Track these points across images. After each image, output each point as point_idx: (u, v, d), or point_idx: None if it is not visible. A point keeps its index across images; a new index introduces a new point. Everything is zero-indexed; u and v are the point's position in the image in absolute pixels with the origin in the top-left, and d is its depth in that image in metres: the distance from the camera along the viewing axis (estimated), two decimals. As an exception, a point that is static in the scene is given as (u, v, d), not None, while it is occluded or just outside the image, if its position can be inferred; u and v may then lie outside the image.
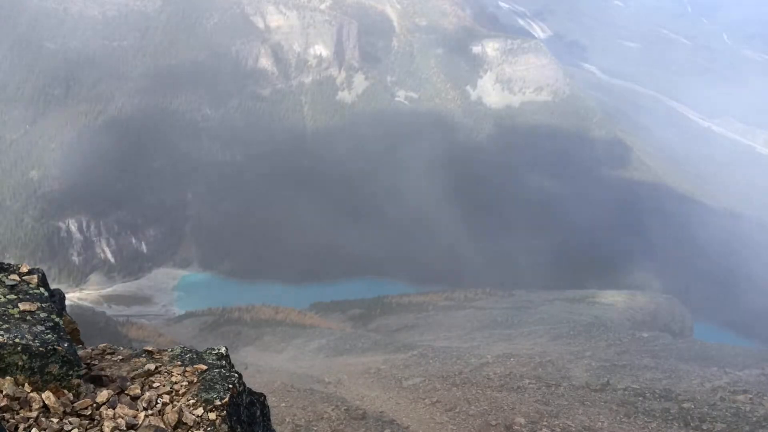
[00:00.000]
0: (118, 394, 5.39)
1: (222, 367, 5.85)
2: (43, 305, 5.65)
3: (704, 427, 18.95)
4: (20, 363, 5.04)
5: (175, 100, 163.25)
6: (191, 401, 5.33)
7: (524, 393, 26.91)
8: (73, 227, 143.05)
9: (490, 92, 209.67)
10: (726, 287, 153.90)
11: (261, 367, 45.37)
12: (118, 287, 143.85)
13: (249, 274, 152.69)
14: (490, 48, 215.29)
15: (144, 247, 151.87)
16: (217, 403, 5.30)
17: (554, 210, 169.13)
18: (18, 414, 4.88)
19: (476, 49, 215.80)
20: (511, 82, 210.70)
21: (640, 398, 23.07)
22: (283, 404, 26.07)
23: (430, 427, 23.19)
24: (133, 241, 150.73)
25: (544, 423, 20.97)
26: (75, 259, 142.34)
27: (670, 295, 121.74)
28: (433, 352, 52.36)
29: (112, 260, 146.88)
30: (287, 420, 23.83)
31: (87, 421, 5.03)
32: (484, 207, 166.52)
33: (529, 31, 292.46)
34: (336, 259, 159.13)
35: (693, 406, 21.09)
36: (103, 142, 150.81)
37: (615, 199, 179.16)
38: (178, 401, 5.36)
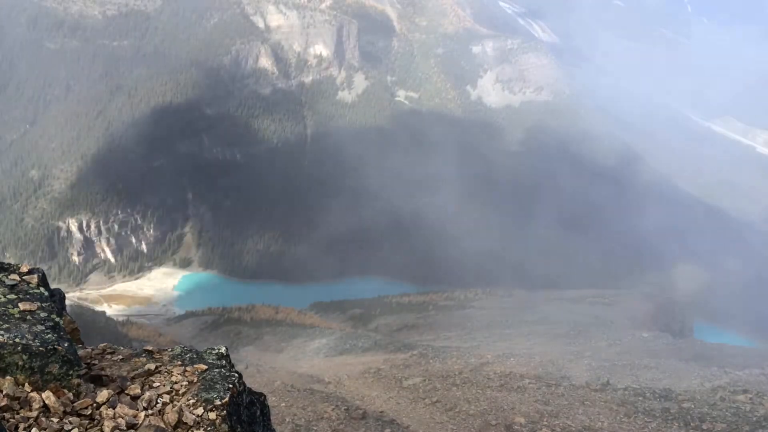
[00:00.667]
0: (118, 393, 5.40)
1: (222, 366, 5.85)
2: (43, 305, 5.66)
3: (704, 427, 18.95)
4: (20, 363, 5.05)
5: (175, 100, 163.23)
6: (191, 401, 5.33)
7: (524, 393, 26.91)
8: (73, 227, 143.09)
9: (490, 92, 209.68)
10: (726, 287, 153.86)
11: (261, 366, 45.39)
12: (118, 287, 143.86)
13: (249, 274, 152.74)
14: (490, 48, 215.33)
15: (144, 247, 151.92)
16: (218, 402, 5.30)
17: (554, 210, 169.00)
18: (18, 414, 4.88)
19: (476, 49, 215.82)
20: (511, 81, 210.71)
21: (640, 398, 23.07)
22: (283, 404, 26.06)
23: (430, 426, 23.19)
24: (133, 240, 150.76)
25: (544, 423, 20.97)
26: (75, 258, 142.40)
27: (670, 294, 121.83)
28: (433, 352, 52.36)
29: (112, 260, 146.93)
30: (287, 420, 23.82)
31: (87, 421, 5.03)
32: (483, 206, 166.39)
33: (529, 31, 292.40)
34: (336, 259, 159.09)
35: (693, 406, 21.09)
36: (102, 142, 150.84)
37: (614, 198, 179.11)
38: (178, 401, 5.36)
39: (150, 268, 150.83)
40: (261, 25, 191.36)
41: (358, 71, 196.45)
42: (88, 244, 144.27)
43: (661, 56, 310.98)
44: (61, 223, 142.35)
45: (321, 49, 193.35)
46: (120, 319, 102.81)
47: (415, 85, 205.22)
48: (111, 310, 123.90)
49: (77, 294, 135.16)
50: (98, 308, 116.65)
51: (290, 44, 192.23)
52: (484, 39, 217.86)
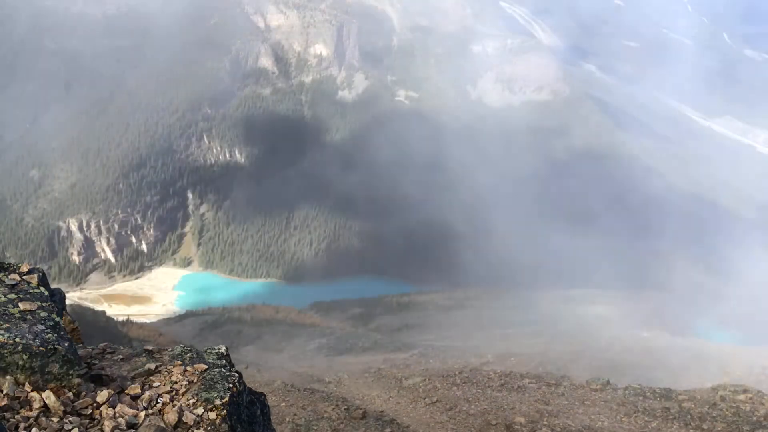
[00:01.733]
0: (119, 393, 5.40)
1: (222, 366, 5.86)
2: (44, 305, 5.66)
3: (704, 427, 18.95)
4: (20, 362, 5.05)
5: (175, 100, 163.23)
6: (191, 400, 5.34)
7: (524, 392, 26.92)
8: (74, 227, 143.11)
9: (490, 92, 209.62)
10: (726, 286, 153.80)
11: (261, 366, 45.38)
12: (119, 286, 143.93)
13: (249, 273, 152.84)
14: (491, 47, 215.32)
15: (144, 247, 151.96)
16: (218, 402, 5.31)
17: (553, 209, 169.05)
18: (18, 413, 4.89)
19: (476, 48, 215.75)
20: (511, 81, 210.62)
21: (641, 397, 23.07)
22: (283, 404, 26.06)
23: (430, 426, 23.19)
24: (134, 240, 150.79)
25: (544, 422, 20.97)
26: (75, 258, 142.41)
27: (670, 294, 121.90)
28: (433, 352, 52.44)
29: (113, 260, 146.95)
30: (287, 420, 23.80)
31: (87, 421, 5.03)
32: (483, 206, 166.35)
33: (530, 30, 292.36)
34: (336, 258, 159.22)
35: (693, 406, 21.09)
36: (102, 142, 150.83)
37: (615, 198, 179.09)
38: (178, 401, 5.37)
39: (150, 268, 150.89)
40: (261, 24, 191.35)
41: (358, 71, 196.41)
42: (88, 244, 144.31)
43: (662, 56, 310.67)
44: (61, 223, 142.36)
45: (321, 48, 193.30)
46: (120, 318, 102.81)
47: (415, 84, 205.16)
48: (111, 309, 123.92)
49: (77, 294, 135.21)
50: (98, 308, 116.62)
51: (290, 44, 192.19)
52: (485, 38, 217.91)
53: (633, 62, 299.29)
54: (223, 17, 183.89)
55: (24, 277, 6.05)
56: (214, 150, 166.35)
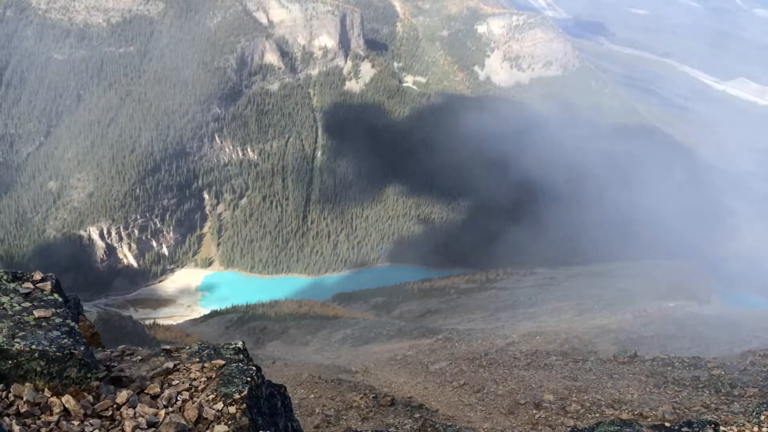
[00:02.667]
0: (138, 393, 5.41)
1: (240, 361, 5.84)
2: (58, 311, 5.67)
3: (735, 393, 18.70)
4: (38, 369, 5.07)
5: (185, 103, 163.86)
6: (210, 396, 5.34)
7: (551, 370, 26.81)
8: (95, 235, 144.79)
9: (498, 71, 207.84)
10: (750, 251, 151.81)
11: (288, 360, 45.62)
12: (143, 291, 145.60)
13: (270, 270, 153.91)
14: (495, 26, 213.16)
15: (165, 250, 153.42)
16: (236, 396, 5.30)
17: (570, 184, 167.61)
18: (39, 419, 4.90)
19: (481, 28, 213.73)
20: (519, 59, 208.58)
21: (669, 368, 22.85)
22: (312, 395, 26.19)
23: (459, 409, 23.18)
24: (154, 244, 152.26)
25: (573, 398, 20.86)
26: (99, 266, 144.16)
27: (693, 263, 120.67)
28: (458, 335, 52.38)
29: (135, 265, 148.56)
30: (317, 411, 23.90)
31: (108, 422, 5.05)
32: (499, 185, 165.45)
33: (535, 6, 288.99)
34: (354, 248, 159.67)
35: (723, 373, 20.84)
36: (116, 149, 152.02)
37: (632, 168, 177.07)
38: (197, 397, 5.36)
39: (172, 270, 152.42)
40: (264, 20, 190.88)
41: (364, 60, 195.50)
42: (110, 251, 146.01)
43: (671, 21, 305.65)
44: (82, 232, 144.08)
45: (325, 40, 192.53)
46: (147, 322, 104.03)
47: (422, 69, 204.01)
48: (137, 314, 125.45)
49: (103, 300, 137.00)
50: (125, 313, 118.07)
51: (294, 38, 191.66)
52: (489, 18, 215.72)
53: (642, 29, 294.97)
54: (226, 15, 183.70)
55: (37, 285, 6.07)
56: (227, 149, 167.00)
